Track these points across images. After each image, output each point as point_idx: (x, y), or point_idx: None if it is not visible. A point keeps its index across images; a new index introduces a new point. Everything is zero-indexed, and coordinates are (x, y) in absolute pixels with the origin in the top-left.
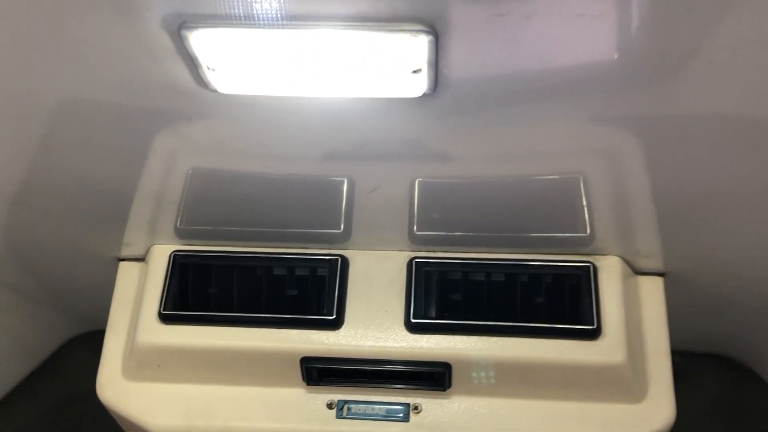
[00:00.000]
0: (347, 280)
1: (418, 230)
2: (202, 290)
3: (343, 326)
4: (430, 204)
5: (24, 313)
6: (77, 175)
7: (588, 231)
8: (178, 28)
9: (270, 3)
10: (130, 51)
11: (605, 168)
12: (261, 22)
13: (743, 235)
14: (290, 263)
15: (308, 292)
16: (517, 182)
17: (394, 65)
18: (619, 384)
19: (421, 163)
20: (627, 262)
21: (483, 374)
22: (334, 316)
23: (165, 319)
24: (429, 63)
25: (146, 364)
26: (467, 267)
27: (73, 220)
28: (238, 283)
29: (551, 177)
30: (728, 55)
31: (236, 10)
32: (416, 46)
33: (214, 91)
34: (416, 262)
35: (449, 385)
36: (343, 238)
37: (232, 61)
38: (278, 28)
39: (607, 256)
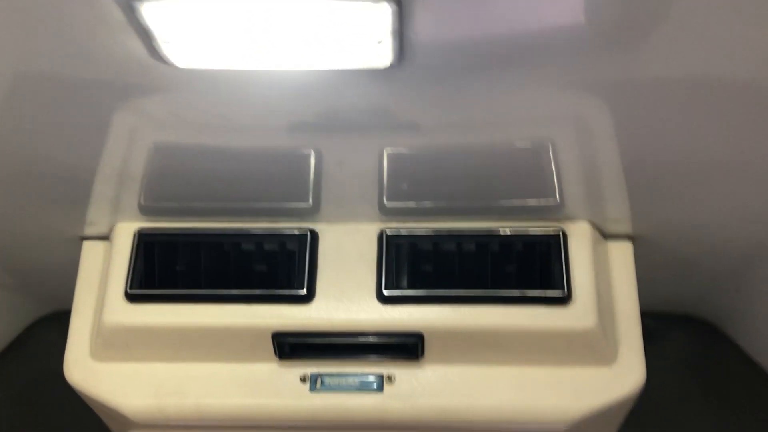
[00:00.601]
0: (317, 254)
1: (388, 202)
2: (169, 268)
3: (314, 300)
4: (399, 175)
5: None
6: (33, 153)
7: (558, 197)
8: None
9: None
10: (82, 23)
11: (575, 134)
12: None
13: (710, 199)
14: (259, 239)
15: (278, 267)
16: (486, 150)
17: (357, 36)
18: (591, 348)
19: (389, 134)
20: (596, 226)
21: (455, 343)
22: (305, 291)
23: (132, 298)
24: (393, 33)
25: (114, 345)
26: (438, 237)
27: (32, 199)
28: (206, 260)
29: (521, 145)
30: (698, 18)
31: None
32: (379, 15)
33: (171, 64)
34: (387, 233)
35: (422, 355)
36: (312, 212)
37: (188, 34)
38: None
39: (576, 222)
